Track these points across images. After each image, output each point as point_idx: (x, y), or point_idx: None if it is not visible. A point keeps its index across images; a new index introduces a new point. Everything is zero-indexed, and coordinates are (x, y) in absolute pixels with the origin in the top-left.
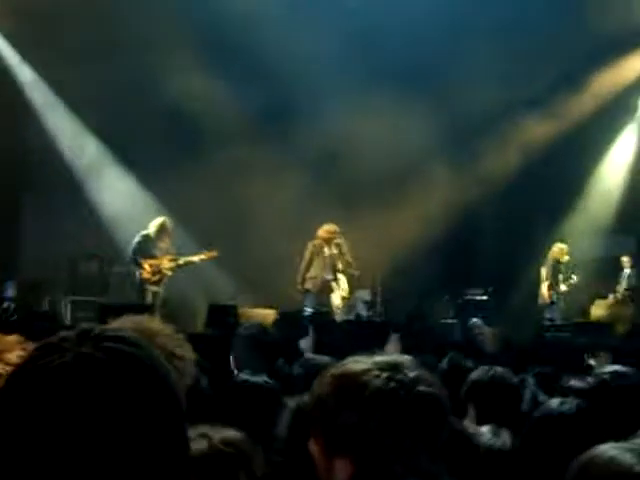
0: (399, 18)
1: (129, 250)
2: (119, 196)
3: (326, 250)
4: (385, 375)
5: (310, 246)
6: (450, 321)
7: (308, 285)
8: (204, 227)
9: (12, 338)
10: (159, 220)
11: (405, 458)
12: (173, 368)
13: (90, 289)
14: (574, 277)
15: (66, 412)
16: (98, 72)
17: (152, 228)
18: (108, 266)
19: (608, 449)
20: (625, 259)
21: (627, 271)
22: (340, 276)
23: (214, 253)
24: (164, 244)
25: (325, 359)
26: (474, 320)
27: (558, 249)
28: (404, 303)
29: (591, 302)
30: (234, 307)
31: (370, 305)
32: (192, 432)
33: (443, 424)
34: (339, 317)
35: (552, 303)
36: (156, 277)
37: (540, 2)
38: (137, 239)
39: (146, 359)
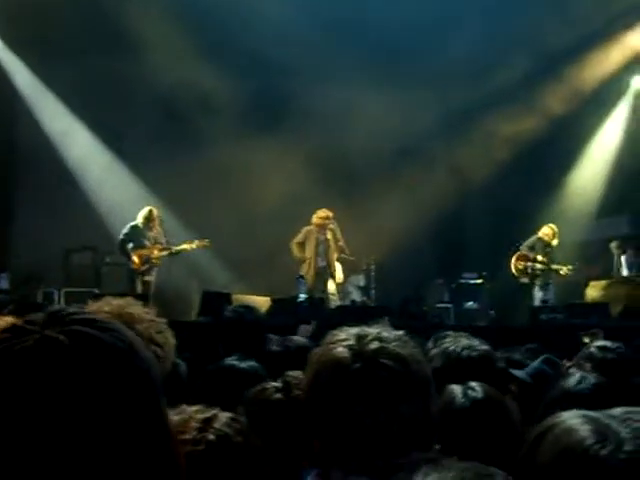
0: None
1: (117, 242)
2: (112, 187)
3: (320, 236)
4: (345, 344)
5: (304, 231)
6: (445, 305)
7: (302, 271)
8: (199, 216)
9: (6, 320)
10: (145, 209)
11: (357, 429)
12: (151, 355)
13: (84, 280)
14: (569, 267)
15: (26, 397)
16: (90, 66)
17: (139, 218)
18: (101, 257)
19: (570, 417)
20: (614, 244)
21: (623, 257)
22: (334, 262)
23: (205, 242)
24: (153, 233)
25: (302, 340)
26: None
27: (549, 229)
28: (398, 288)
29: (585, 284)
30: (228, 295)
31: (364, 291)
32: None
33: (406, 397)
34: (333, 303)
35: (547, 284)
36: (145, 267)
37: None
38: (125, 230)
39: (116, 343)
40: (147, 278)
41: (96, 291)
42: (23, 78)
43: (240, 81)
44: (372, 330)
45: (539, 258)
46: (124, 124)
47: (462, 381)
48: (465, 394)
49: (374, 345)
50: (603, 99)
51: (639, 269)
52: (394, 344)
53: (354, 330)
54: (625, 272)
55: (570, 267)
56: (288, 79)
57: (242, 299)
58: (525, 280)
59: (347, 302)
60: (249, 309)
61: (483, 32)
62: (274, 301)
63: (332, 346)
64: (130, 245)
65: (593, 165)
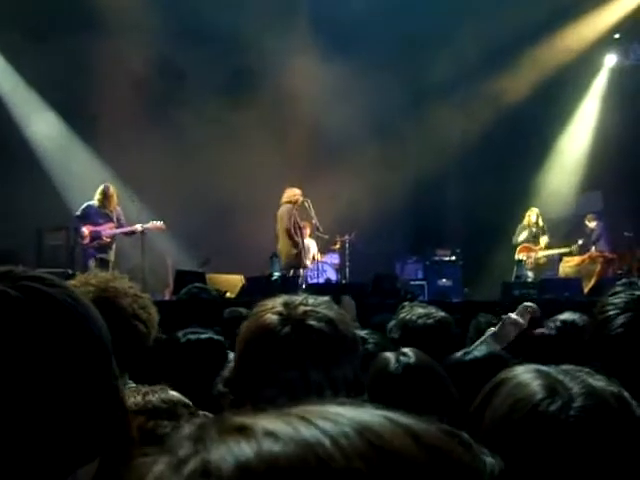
0: None
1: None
2: (83, 169)
3: (294, 214)
4: (273, 311)
5: (287, 210)
6: (418, 282)
7: (284, 251)
8: (169, 196)
9: None
10: (100, 187)
11: (289, 393)
12: (134, 330)
13: (57, 260)
14: (572, 247)
15: None
16: (61, 47)
17: (96, 196)
18: (74, 237)
19: (523, 372)
20: (588, 217)
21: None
22: (309, 240)
23: (159, 225)
24: (108, 210)
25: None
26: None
27: (530, 213)
28: (373, 266)
29: (559, 260)
30: (201, 274)
31: (339, 268)
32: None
33: (336, 359)
34: (308, 281)
35: (519, 261)
36: (94, 243)
37: None
38: (81, 208)
39: (65, 300)
40: (101, 256)
41: (69, 272)
42: None
43: (212, 61)
44: (298, 297)
45: (540, 246)
46: (96, 106)
47: (421, 348)
48: (397, 360)
49: (301, 309)
50: (576, 79)
51: (607, 242)
52: (321, 307)
53: (281, 298)
54: (592, 242)
55: (574, 246)
56: (259, 58)
57: (216, 278)
58: (528, 267)
59: (322, 280)
60: (203, 289)
61: (452, 6)
62: (248, 279)
63: (261, 314)
64: (82, 223)
65: (572, 143)
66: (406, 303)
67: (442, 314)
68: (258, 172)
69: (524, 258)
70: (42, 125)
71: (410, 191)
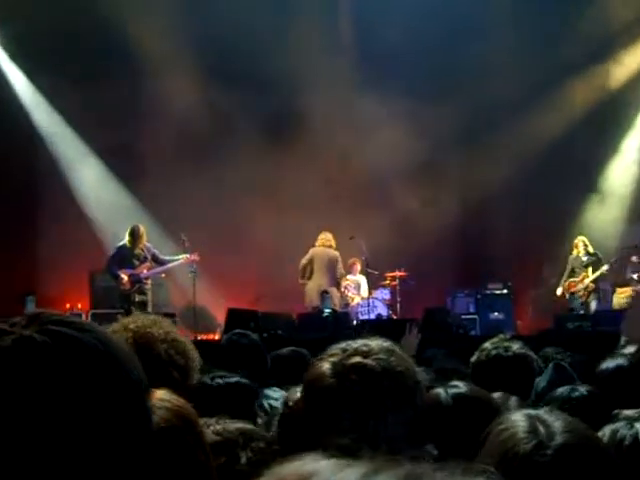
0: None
1: (105, 264)
2: (129, 210)
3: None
4: (331, 359)
5: (339, 255)
6: (470, 316)
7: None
8: (216, 237)
9: None
10: (130, 228)
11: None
12: (168, 376)
13: (110, 301)
14: (604, 267)
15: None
16: (107, 91)
17: (126, 237)
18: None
19: (519, 415)
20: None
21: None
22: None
23: (194, 257)
24: (139, 250)
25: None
26: None
27: (577, 243)
28: (423, 300)
29: (612, 291)
30: (254, 312)
31: (390, 304)
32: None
33: (378, 414)
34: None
35: (572, 294)
36: (136, 287)
37: None
38: (112, 252)
39: (93, 344)
40: (140, 298)
41: (124, 310)
42: (39, 106)
43: (256, 103)
44: (358, 344)
45: (584, 275)
46: (141, 149)
47: (493, 376)
48: (446, 392)
49: (353, 360)
50: (622, 110)
51: None
52: (374, 357)
53: (344, 344)
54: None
55: (605, 267)
56: (303, 96)
57: (268, 316)
58: (583, 299)
59: (372, 316)
60: (243, 334)
61: (499, 40)
62: (299, 316)
63: (322, 360)
64: (116, 266)
65: (619, 174)
66: (501, 335)
67: (523, 351)
68: (305, 211)
69: (574, 291)
70: (88, 168)
71: (459, 225)
